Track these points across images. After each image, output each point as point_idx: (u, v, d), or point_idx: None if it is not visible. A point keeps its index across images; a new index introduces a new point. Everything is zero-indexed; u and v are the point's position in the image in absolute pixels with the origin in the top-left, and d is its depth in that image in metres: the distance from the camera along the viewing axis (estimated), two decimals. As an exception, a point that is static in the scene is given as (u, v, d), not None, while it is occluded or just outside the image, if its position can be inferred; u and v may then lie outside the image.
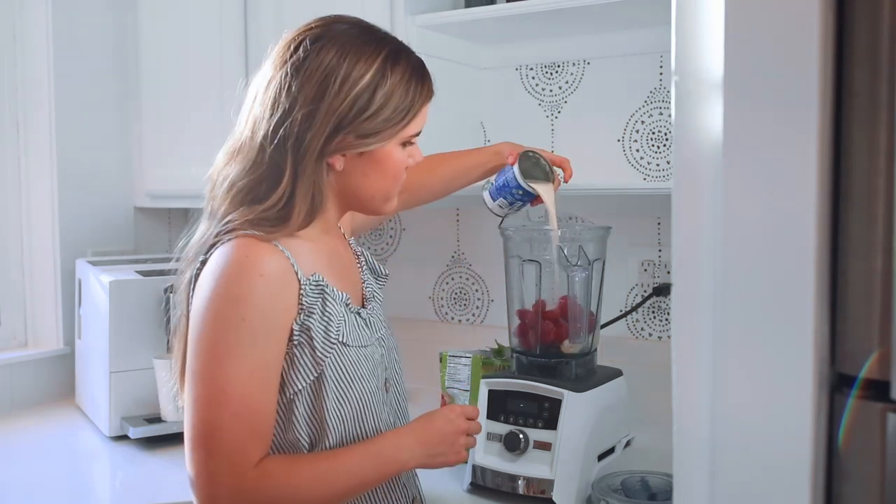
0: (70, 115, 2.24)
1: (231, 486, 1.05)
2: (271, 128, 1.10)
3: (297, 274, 1.11)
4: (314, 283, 1.13)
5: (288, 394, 1.11)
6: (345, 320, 1.16)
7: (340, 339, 1.14)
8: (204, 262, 1.12)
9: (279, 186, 1.11)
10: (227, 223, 1.12)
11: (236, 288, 1.06)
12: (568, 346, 1.54)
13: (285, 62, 1.12)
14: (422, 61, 1.19)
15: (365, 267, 1.31)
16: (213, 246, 1.12)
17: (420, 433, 1.19)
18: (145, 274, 1.96)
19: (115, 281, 1.90)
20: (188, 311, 1.14)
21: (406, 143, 1.19)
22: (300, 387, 1.11)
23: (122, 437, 1.86)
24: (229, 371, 1.05)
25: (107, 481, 1.76)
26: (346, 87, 1.10)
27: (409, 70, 1.15)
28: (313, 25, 1.16)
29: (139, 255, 2.34)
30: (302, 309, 1.11)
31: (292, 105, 1.10)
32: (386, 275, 1.36)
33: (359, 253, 1.33)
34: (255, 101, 1.15)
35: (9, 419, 2.03)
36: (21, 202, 2.28)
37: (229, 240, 1.10)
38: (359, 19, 1.18)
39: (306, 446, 1.13)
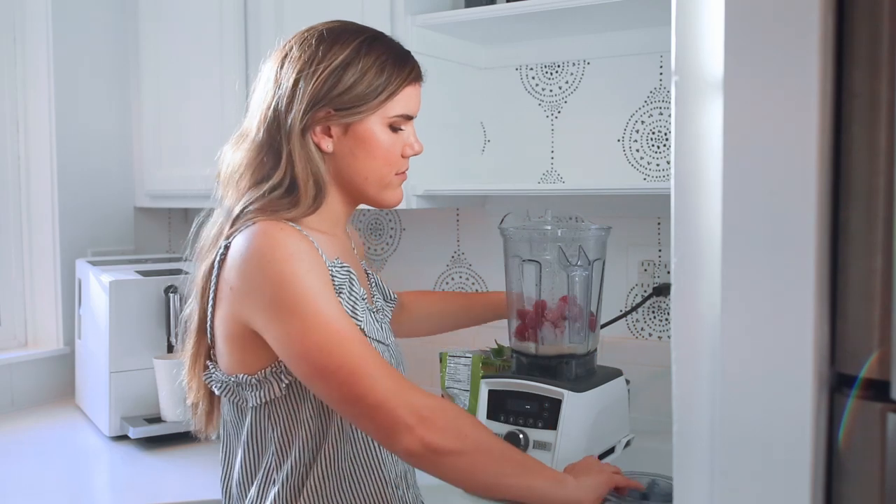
0: (70, 115, 2.24)
1: (413, 396, 1.10)
2: (262, 111, 1.20)
3: (322, 256, 1.15)
4: (339, 265, 1.18)
5: None
6: (365, 310, 1.21)
7: (361, 326, 1.17)
8: (226, 248, 1.15)
9: (279, 164, 1.18)
10: (242, 209, 1.17)
11: (285, 249, 1.10)
12: (568, 347, 1.54)
13: (277, 60, 1.22)
14: (405, 49, 1.25)
15: (374, 287, 1.37)
16: (233, 233, 1.16)
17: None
18: (145, 274, 1.96)
19: (115, 281, 1.90)
20: (205, 301, 1.18)
21: (394, 128, 1.23)
22: None
23: (122, 437, 1.86)
24: (327, 313, 1.08)
25: (107, 481, 1.76)
26: (322, 66, 1.18)
27: (385, 52, 1.21)
28: (305, 30, 1.25)
29: (139, 255, 2.34)
30: (333, 284, 1.15)
31: (277, 89, 1.19)
32: (394, 299, 1.43)
33: (369, 274, 1.39)
34: (252, 96, 1.25)
35: (9, 419, 2.03)
36: (21, 202, 2.28)
37: (252, 224, 1.14)
38: (349, 22, 1.27)
39: (312, 427, 1.15)
